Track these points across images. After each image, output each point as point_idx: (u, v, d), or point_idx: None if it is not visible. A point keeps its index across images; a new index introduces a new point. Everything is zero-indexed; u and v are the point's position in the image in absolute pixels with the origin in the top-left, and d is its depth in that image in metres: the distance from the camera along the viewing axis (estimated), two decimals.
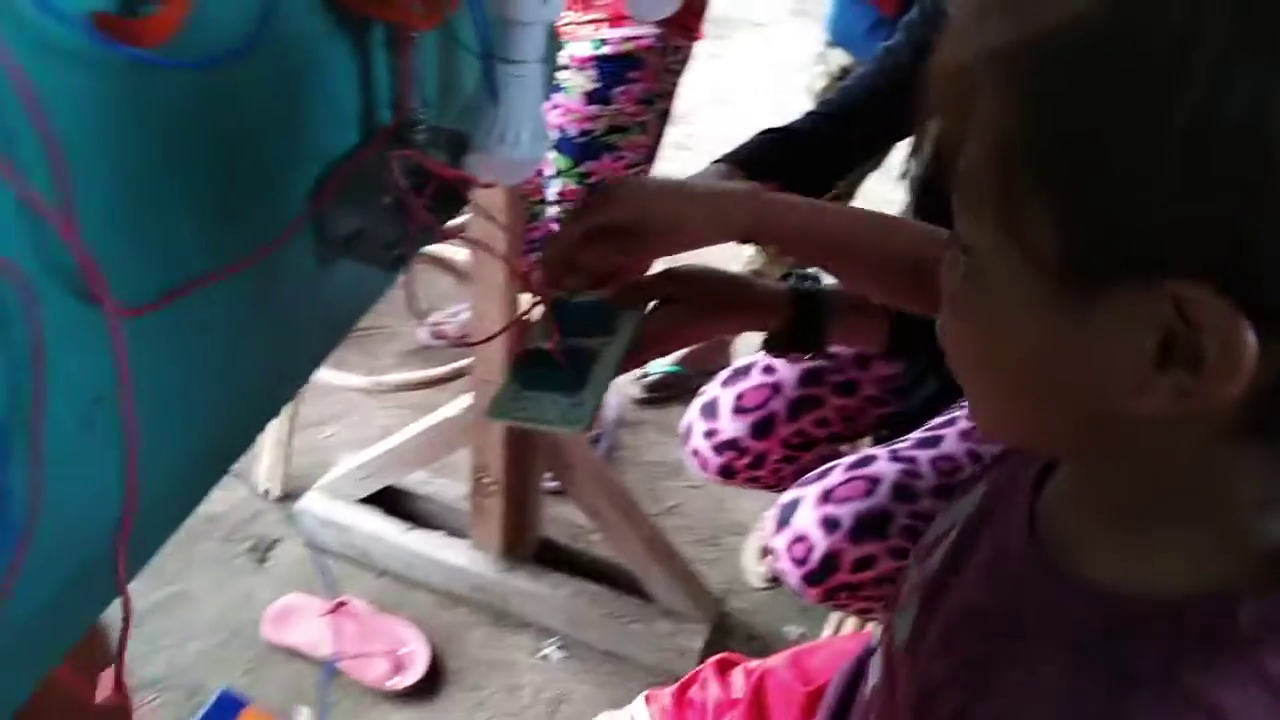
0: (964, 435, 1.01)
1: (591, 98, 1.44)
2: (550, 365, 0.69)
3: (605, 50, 1.40)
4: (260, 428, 0.65)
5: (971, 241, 0.41)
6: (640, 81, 1.44)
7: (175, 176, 0.47)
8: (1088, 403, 0.40)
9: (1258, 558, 0.40)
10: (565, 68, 1.44)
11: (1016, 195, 0.37)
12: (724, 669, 0.88)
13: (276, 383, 0.63)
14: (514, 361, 0.71)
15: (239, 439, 0.62)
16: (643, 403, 2.01)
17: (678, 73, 1.51)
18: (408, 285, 1.07)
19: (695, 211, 0.70)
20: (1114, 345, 0.36)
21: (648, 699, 0.88)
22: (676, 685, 0.89)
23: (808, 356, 0.83)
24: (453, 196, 0.66)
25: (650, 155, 1.56)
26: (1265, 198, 0.31)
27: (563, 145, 1.50)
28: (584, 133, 1.47)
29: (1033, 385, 0.42)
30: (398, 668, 1.46)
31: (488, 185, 0.69)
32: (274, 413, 0.66)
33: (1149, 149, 0.32)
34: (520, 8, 0.64)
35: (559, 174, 1.54)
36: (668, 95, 1.51)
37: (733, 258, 1.92)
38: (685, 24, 1.44)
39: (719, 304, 0.78)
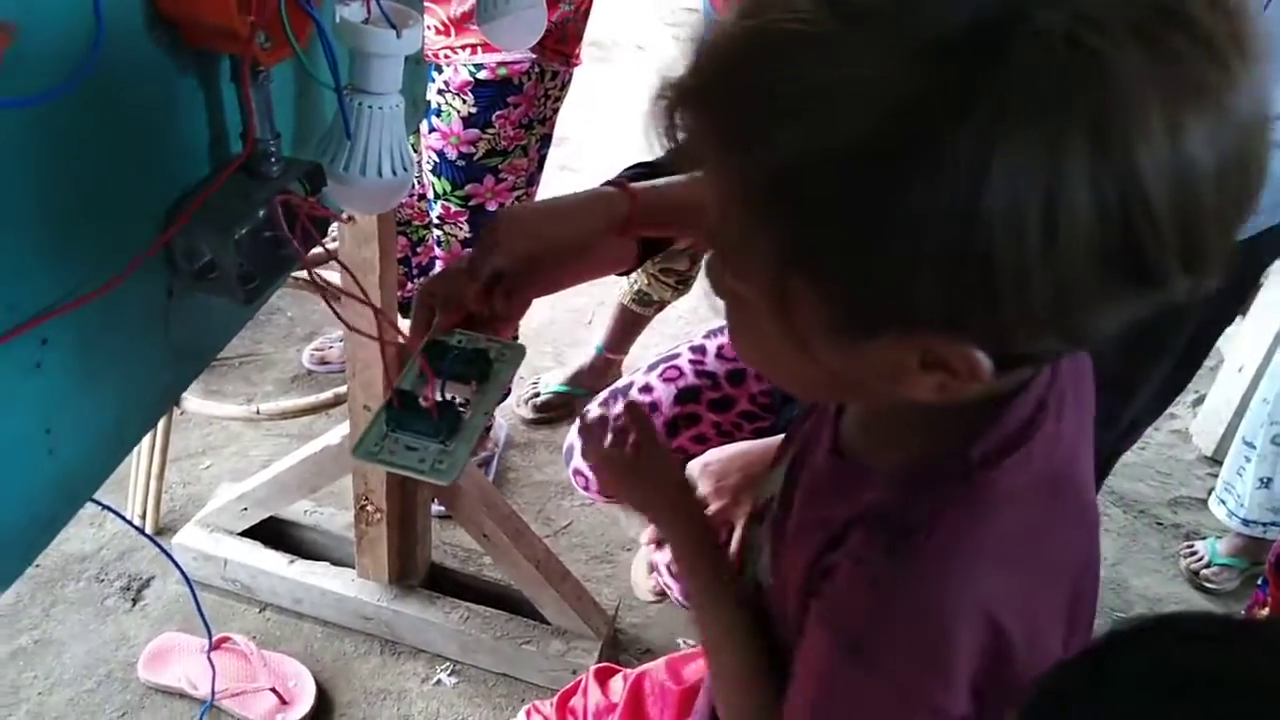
0: None
1: (468, 122, 1.45)
2: (422, 409, 0.69)
3: (482, 75, 1.42)
4: (112, 465, 0.64)
5: (739, 294, 0.47)
6: (519, 106, 1.45)
7: (6, 214, 0.47)
8: (865, 389, 0.49)
9: (979, 422, 0.52)
10: (442, 92, 1.45)
11: (788, 285, 0.43)
12: (604, 677, 0.90)
13: (128, 417, 0.62)
14: (386, 402, 0.70)
15: (88, 478, 0.60)
16: (532, 423, 2.01)
17: (557, 98, 1.53)
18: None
19: (567, 227, 0.73)
20: (880, 365, 0.45)
21: (529, 711, 0.89)
22: (558, 695, 0.91)
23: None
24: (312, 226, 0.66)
25: (531, 179, 1.58)
26: (987, 284, 0.39)
27: (442, 169, 1.51)
28: (462, 156, 1.48)
29: (815, 381, 0.51)
30: (284, 703, 1.43)
31: (349, 220, 0.69)
32: (127, 448, 0.65)
33: (897, 252, 0.39)
34: (375, 41, 0.65)
35: (439, 196, 1.54)
36: (547, 120, 1.53)
37: (614, 285, 1.95)
38: (561, 50, 1.46)
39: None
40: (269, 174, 0.62)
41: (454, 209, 1.54)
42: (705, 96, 0.43)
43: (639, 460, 0.72)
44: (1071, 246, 0.38)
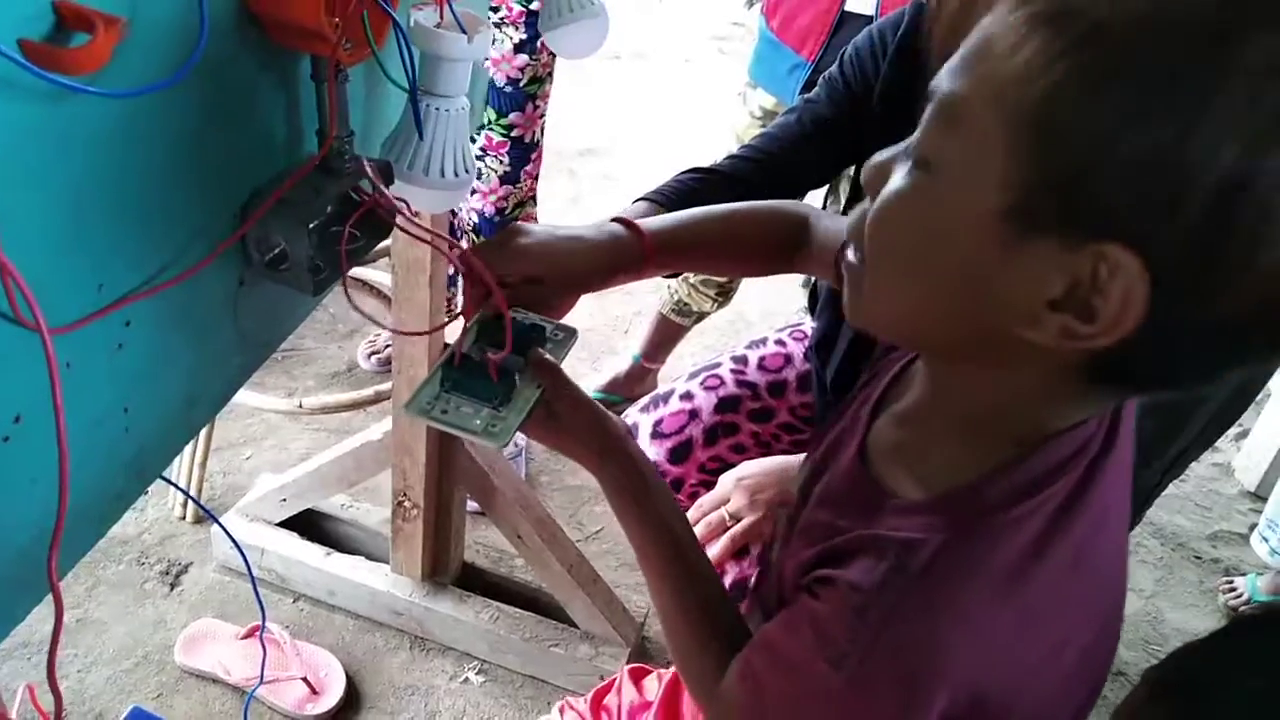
0: None
1: (519, 48, 1.52)
2: (479, 373, 0.69)
3: (534, 6, 1.48)
4: (179, 446, 0.65)
5: (934, 157, 0.46)
6: None
7: (103, 200, 0.49)
8: (981, 314, 0.46)
9: (1015, 450, 0.51)
10: (498, 25, 1.51)
11: (1009, 146, 0.42)
12: (638, 676, 0.91)
13: (197, 400, 0.64)
14: (445, 358, 0.70)
15: (158, 456, 0.62)
16: None
17: None
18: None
19: (575, 261, 0.75)
20: (1027, 278, 0.43)
21: (562, 707, 0.90)
22: (592, 693, 0.92)
23: None
24: (378, 223, 0.68)
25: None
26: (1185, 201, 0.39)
27: (490, 96, 1.57)
28: (510, 81, 1.55)
29: (941, 284, 0.48)
30: (314, 693, 1.45)
31: (417, 214, 0.71)
32: (194, 431, 0.67)
33: (1136, 145, 0.39)
34: (447, 46, 0.67)
35: (482, 127, 1.60)
36: None
37: (652, 294, 1.97)
38: None
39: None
40: (341, 170, 0.64)
41: (497, 139, 1.61)
42: None
43: (555, 405, 0.70)
44: None
